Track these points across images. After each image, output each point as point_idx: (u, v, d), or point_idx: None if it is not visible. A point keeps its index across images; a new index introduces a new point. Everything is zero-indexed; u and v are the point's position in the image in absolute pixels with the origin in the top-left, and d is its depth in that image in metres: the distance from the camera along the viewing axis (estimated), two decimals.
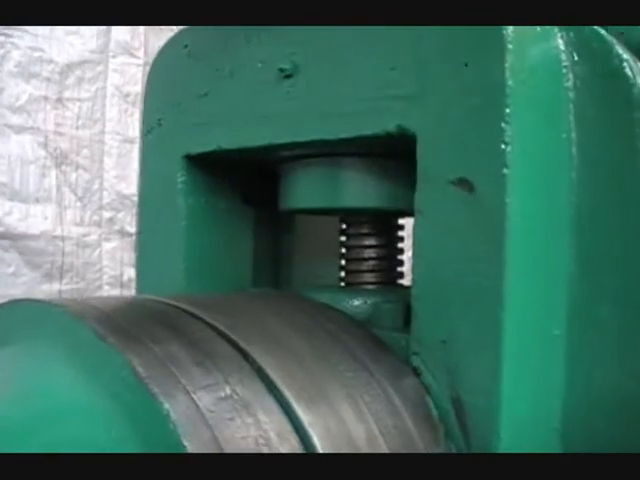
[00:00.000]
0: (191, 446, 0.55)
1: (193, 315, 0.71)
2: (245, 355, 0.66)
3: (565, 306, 0.74)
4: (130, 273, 2.32)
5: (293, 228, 1.07)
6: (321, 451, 0.61)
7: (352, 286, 0.90)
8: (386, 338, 0.77)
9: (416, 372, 0.74)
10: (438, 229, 0.73)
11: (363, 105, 0.77)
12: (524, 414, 0.72)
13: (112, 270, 2.37)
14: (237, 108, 0.89)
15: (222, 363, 0.64)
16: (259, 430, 0.59)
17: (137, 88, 2.38)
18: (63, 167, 2.36)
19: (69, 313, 0.65)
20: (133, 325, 0.65)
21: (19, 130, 2.30)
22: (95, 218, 2.38)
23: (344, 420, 0.65)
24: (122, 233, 2.38)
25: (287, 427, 0.61)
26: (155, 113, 0.99)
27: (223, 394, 0.61)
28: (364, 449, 0.64)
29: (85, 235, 2.35)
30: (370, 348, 0.74)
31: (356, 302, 0.83)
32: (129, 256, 2.34)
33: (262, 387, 0.63)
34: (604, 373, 0.74)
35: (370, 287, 0.88)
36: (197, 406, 0.58)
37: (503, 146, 0.69)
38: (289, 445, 0.60)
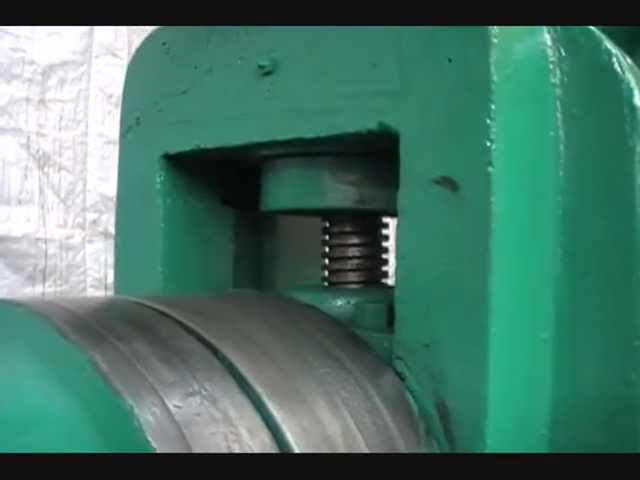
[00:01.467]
0: (156, 443, 0.52)
1: (163, 313, 0.68)
2: (215, 351, 0.64)
3: (552, 308, 0.72)
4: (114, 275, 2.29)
5: (275, 229, 1.05)
6: (295, 448, 0.59)
7: (335, 286, 0.88)
8: (369, 339, 0.75)
9: (400, 377, 0.72)
10: (421, 229, 0.71)
11: (344, 102, 0.75)
12: (510, 420, 0.70)
13: (96, 272, 2.34)
14: (216, 106, 0.86)
15: (190, 360, 0.62)
16: (229, 426, 0.57)
17: (120, 89, 2.35)
18: (46, 169, 2.33)
19: (31, 312, 0.62)
20: (98, 323, 0.63)
21: (0, 132, 2.27)
22: (78, 220, 2.35)
23: (319, 417, 0.63)
24: (106, 235, 2.35)
25: (259, 423, 0.59)
26: (133, 112, 0.97)
27: (191, 390, 0.59)
28: (341, 446, 0.62)
29: (68, 237, 2.32)
30: (348, 346, 0.72)
31: (339, 302, 0.81)
32: (112, 258, 2.32)
33: (233, 383, 0.61)
34: (591, 376, 0.72)
35: (353, 287, 0.86)
36: (163, 403, 0.56)
37: (488, 143, 0.67)
38: (260, 441, 0.58)
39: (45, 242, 2.28)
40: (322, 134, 0.77)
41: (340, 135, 0.76)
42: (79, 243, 2.35)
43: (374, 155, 0.80)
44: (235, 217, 1.01)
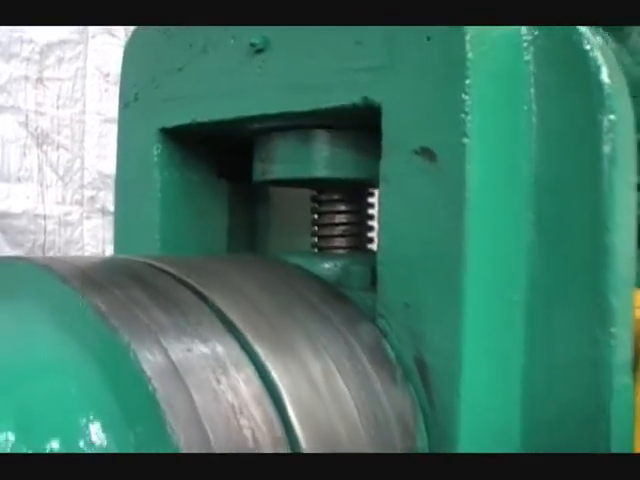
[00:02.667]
0: (151, 373, 0.58)
1: (159, 269, 0.73)
2: (206, 301, 0.69)
3: (525, 273, 0.77)
4: (111, 251, 2.34)
5: (268, 200, 1.10)
6: (278, 382, 0.64)
7: (323, 250, 0.93)
8: (354, 297, 0.80)
9: (382, 333, 0.77)
10: (402, 197, 0.76)
11: (331, 78, 0.80)
12: (485, 377, 0.75)
13: (94, 248, 2.39)
14: (211, 82, 0.91)
15: (184, 306, 0.67)
16: (217, 360, 0.63)
17: (117, 68, 2.38)
18: (44, 147, 2.37)
19: (34, 263, 0.68)
20: (97, 274, 0.68)
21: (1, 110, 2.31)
22: (77, 197, 2.39)
23: (301, 358, 0.68)
24: (103, 212, 2.39)
25: (244, 359, 0.65)
26: (132, 88, 1.01)
27: (183, 330, 0.64)
28: (321, 384, 0.67)
29: (67, 214, 2.37)
30: (333, 303, 0.77)
31: (327, 265, 0.85)
32: (110, 234, 2.36)
33: (221, 327, 0.67)
34: (562, 337, 0.77)
35: (341, 251, 0.91)
36: (158, 340, 0.61)
37: (463, 116, 0.72)
38: (245, 374, 0.64)
39: (44, 218, 2.33)
40: (310, 108, 0.82)
41: (327, 109, 0.81)
42: (77, 219, 2.39)
43: (360, 128, 0.85)
44: (229, 189, 1.05)
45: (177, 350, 0.61)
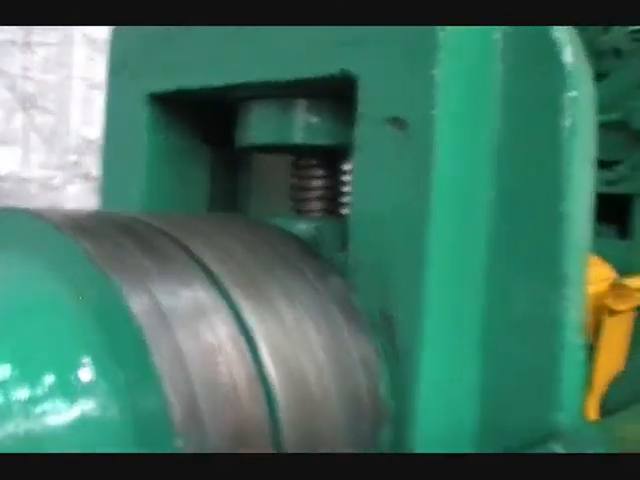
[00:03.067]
0: (141, 317, 0.63)
1: (145, 222, 0.79)
2: (191, 254, 0.75)
3: (486, 236, 0.83)
4: None
5: (249, 167, 1.15)
6: (254, 328, 0.70)
7: (301, 213, 0.98)
8: (328, 256, 0.86)
9: (352, 288, 0.82)
10: (373, 163, 0.81)
11: (311, 50, 0.85)
12: (445, 331, 0.81)
13: None
14: (196, 51, 0.96)
15: (169, 256, 0.73)
16: (196, 301, 0.69)
17: (104, 34, 2.42)
18: (30, 111, 2.41)
19: (26, 212, 0.73)
20: (87, 223, 0.74)
21: None
22: (60, 162, 2.43)
23: (276, 307, 0.74)
24: (87, 177, 2.44)
25: (222, 302, 0.71)
26: (121, 54, 1.06)
27: (168, 277, 0.70)
28: (293, 332, 0.73)
29: (50, 178, 2.41)
30: (306, 258, 0.83)
31: (303, 226, 0.90)
32: (94, 199, 2.40)
33: (203, 275, 0.72)
34: (520, 300, 0.84)
35: (317, 214, 0.97)
36: (146, 285, 0.67)
37: (432, 89, 0.77)
38: (223, 318, 0.69)
39: (28, 182, 2.37)
40: (291, 78, 0.87)
41: (307, 79, 0.86)
42: (60, 184, 2.44)
43: (336, 97, 0.90)
44: (212, 155, 1.10)
45: (162, 293, 0.67)
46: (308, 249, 0.86)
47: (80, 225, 0.72)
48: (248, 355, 0.68)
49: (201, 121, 1.08)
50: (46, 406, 0.63)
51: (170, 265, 0.72)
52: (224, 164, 1.12)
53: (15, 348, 0.66)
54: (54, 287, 0.69)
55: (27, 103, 2.40)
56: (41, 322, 0.69)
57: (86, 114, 2.47)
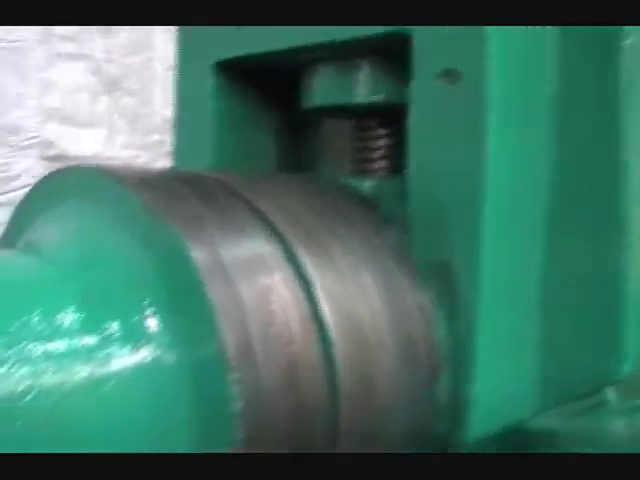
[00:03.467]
0: (194, 254, 0.66)
1: (209, 177, 0.81)
2: (257, 211, 0.76)
3: (542, 182, 0.83)
4: None
5: (315, 132, 1.16)
6: (309, 272, 0.71)
7: (364, 173, 0.99)
8: (387, 212, 0.87)
9: (412, 242, 0.83)
10: (428, 119, 0.82)
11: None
12: (504, 279, 0.81)
13: None
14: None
15: (232, 212, 0.75)
16: (252, 248, 0.71)
17: None
18: (113, 93, 2.48)
19: (97, 169, 0.76)
20: (151, 176, 0.77)
21: (72, 58, 2.41)
22: (144, 141, 2.50)
23: (331, 254, 0.75)
24: (170, 156, 2.49)
25: (281, 254, 0.72)
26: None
27: (232, 231, 0.72)
28: (349, 279, 0.74)
29: (135, 157, 2.47)
30: (364, 212, 0.84)
31: (365, 184, 0.92)
32: None
33: (257, 218, 0.75)
34: (578, 250, 0.84)
35: (379, 174, 0.98)
36: (211, 239, 0.69)
37: (485, 41, 0.78)
38: (277, 263, 0.71)
39: (114, 162, 2.44)
40: (349, 38, 0.88)
41: (364, 37, 0.87)
42: (145, 163, 2.50)
43: (396, 55, 0.90)
44: (278, 121, 1.12)
45: (222, 242, 0.69)
46: (368, 206, 0.87)
47: (144, 179, 0.75)
48: (303, 296, 0.70)
49: (268, 87, 1.10)
50: (109, 351, 0.66)
51: (231, 217, 0.74)
52: (289, 129, 1.14)
53: (82, 293, 0.69)
54: (120, 239, 0.72)
55: (111, 86, 2.46)
56: (106, 270, 0.72)
57: (167, 95, 2.52)
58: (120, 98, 2.47)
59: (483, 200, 0.79)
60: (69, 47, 2.38)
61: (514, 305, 0.83)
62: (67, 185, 0.81)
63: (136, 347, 0.67)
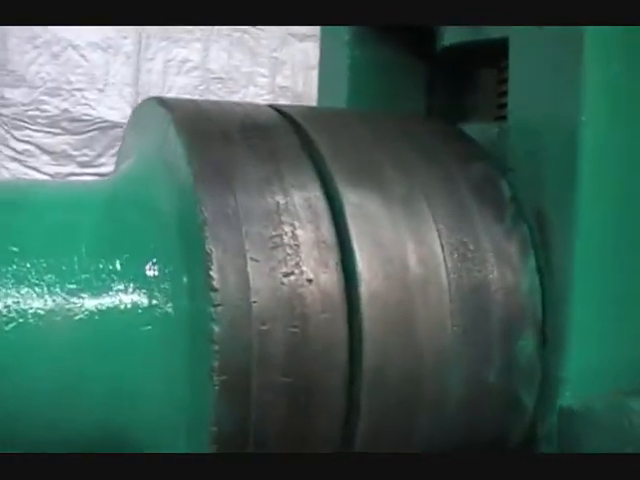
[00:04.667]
0: (208, 215, 0.62)
1: (281, 111, 0.76)
2: (306, 139, 0.71)
3: None
4: None
5: (473, 84, 1.08)
6: (342, 196, 0.65)
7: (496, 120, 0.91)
8: (491, 154, 0.80)
9: (510, 186, 0.75)
10: (528, 59, 0.77)
11: None
12: (599, 234, 0.72)
13: None
14: None
15: (280, 148, 0.69)
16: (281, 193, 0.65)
17: None
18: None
19: (161, 102, 0.74)
20: (212, 115, 0.73)
21: (302, 38, 2.46)
22: None
23: (382, 181, 0.68)
24: None
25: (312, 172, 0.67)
26: None
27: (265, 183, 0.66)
28: (397, 206, 0.67)
29: None
30: (452, 144, 0.77)
31: (475, 127, 0.86)
32: None
33: (310, 164, 0.68)
34: None
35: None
36: (231, 189, 0.65)
37: None
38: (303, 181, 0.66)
39: None
40: None
41: None
42: None
43: None
44: (428, 69, 1.05)
45: (243, 195, 0.65)
46: (463, 144, 0.78)
47: (199, 126, 0.70)
48: (326, 220, 0.64)
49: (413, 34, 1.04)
50: (117, 289, 0.66)
51: (277, 163, 0.68)
52: (440, 81, 1.06)
53: (106, 238, 0.69)
54: (153, 191, 0.71)
55: None
56: (134, 219, 0.70)
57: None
58: None
59: (581, 151, 0.71)
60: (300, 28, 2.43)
61: (624, 263, 0.71)
62: (140, 116, 0.80)
63: (141, 293, 0.66)
